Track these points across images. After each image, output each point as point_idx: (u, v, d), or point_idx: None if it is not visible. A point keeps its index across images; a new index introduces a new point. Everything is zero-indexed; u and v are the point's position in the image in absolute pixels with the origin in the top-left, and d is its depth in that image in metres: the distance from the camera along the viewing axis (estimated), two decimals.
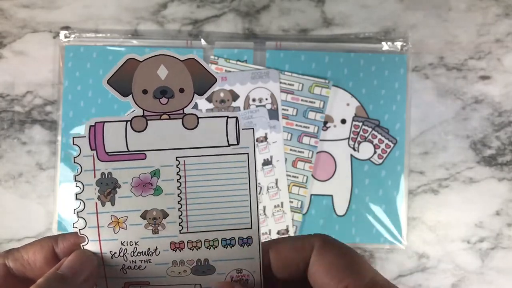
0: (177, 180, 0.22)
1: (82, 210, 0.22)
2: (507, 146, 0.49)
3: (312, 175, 0.48)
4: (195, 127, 0.22)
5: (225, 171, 0.22)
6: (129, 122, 0.22)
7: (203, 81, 0.22)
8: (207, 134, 0.22)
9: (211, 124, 0.22)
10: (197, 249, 0.22)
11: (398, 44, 0.49)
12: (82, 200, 0.22)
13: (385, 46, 0.49)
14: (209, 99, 0.48)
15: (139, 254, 0.22)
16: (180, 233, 0.22)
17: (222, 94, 0.48)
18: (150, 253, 0.22)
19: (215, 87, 0.22)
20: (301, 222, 0.48)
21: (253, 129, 0.22)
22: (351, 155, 0.48)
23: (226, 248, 0.23)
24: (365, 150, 0.48)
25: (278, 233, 0.48)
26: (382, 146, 0.48)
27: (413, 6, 0.49)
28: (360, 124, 0.48)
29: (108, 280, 0.22)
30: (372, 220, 0.48)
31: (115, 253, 0.22)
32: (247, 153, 0.22)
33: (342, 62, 0.48)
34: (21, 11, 0.49)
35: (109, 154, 0.22)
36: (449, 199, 0.49)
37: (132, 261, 0.22)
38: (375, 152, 0.48)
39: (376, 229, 0.48)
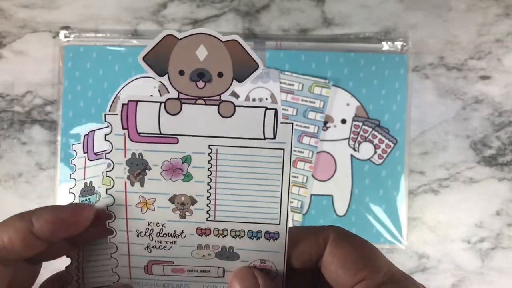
0: (208, 168, 0.21)
1: (111, 187, 0.21)
2: (507, 146, 0.49)
3: (312, 175, 0.48)
4: (231, 116, 0.21)
5: (258, 165, 0.21)
6: (163, 104, 0.21)
7: (244, 67, 0.20)
8: (243, 124, 0.21)
9: (248, 114, 0.21)
10: (223, 237, 0.22)
11: (398, 44, 0.49)
12: (112, 178, 0.21)
13: (385, 46, 0.49)
14: None
15: (165, 235, 0.22)
16: (207, 220, 0.22)
17: None
18: (177, 235, 0.22)
19: (257, 74, 0.20)
20: (301, 222, 0.48)
21: (292, 123, 0.21)
22: (351, 155, 0.48)
23: (252, 239, 0.22)
24: (365, 150, 0.48)
25: None
26: (382, 146, 0.48)
27: (413, 6, 0.49)
28: (360, 124, 0.48)
29: (131, 257, 0.22)
30: (372, 220, 0.48)
31: (141, 232, 0.22)
32: (283, 149, 0.21)
33: (342, 62, 0.48)
34: (21, 11, 0.49)
35: (141, 134, 0.21)
36: (449, 199, 0.49)
37: (158, 241, 0.22)
38: (375, 152, 0.48)
39: (376, 229, 0.48)
